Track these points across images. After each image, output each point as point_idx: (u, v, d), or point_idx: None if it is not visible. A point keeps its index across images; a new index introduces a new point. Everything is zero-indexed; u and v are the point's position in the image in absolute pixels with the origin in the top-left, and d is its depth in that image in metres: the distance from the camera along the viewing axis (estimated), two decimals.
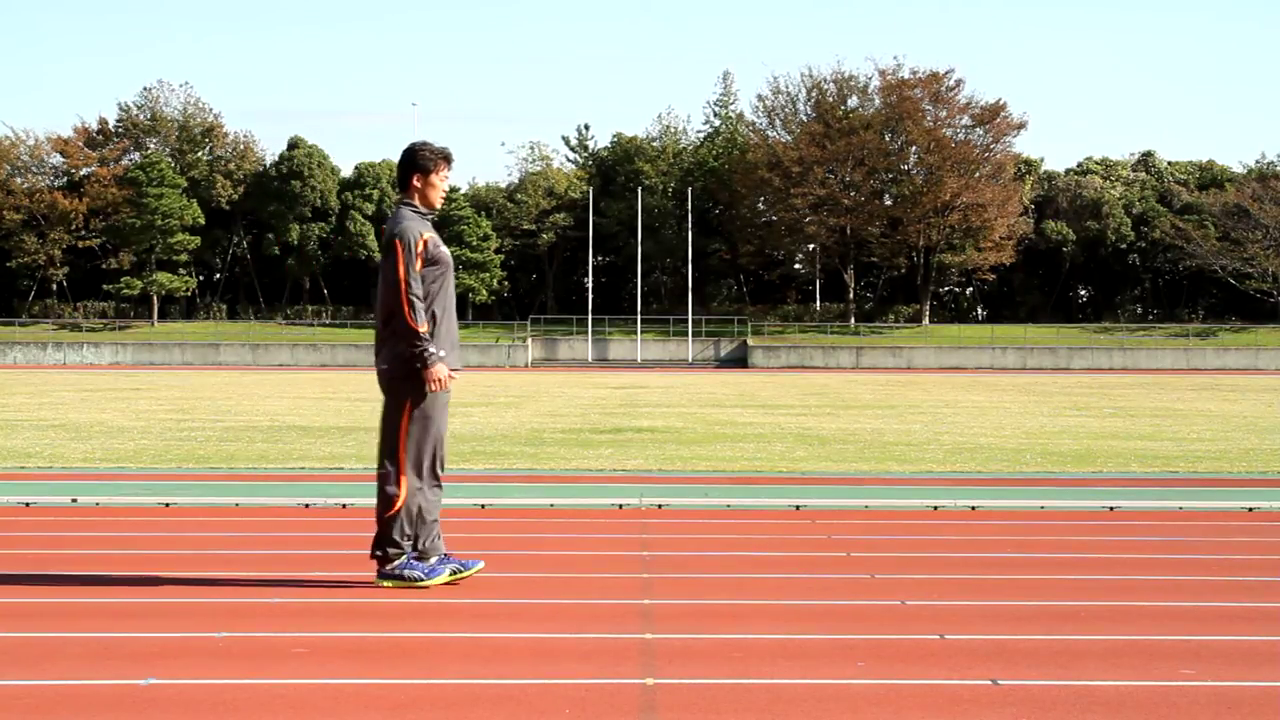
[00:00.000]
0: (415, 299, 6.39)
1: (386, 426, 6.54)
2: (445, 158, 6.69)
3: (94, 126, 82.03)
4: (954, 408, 24.06)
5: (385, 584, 6.51)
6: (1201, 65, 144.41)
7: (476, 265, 78.71)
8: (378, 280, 6.60)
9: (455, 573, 6.59)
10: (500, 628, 5.67)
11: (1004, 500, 10.01)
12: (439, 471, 6.62)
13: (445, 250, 6.61)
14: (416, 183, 6.62)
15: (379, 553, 6.53)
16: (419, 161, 6.61)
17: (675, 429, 17.71)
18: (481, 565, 6.72)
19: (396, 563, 6.50)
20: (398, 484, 6.48)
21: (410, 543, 6.52)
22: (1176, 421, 20.02)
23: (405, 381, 6.47)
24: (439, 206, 6.71)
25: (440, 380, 6.44)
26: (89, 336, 72.05)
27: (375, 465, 6.97)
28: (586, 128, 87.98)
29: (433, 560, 6.56)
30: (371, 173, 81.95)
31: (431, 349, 6.41)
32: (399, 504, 6.47)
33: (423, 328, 6.39)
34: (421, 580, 6.49)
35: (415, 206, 6.61)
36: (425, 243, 6.47)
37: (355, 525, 8.63)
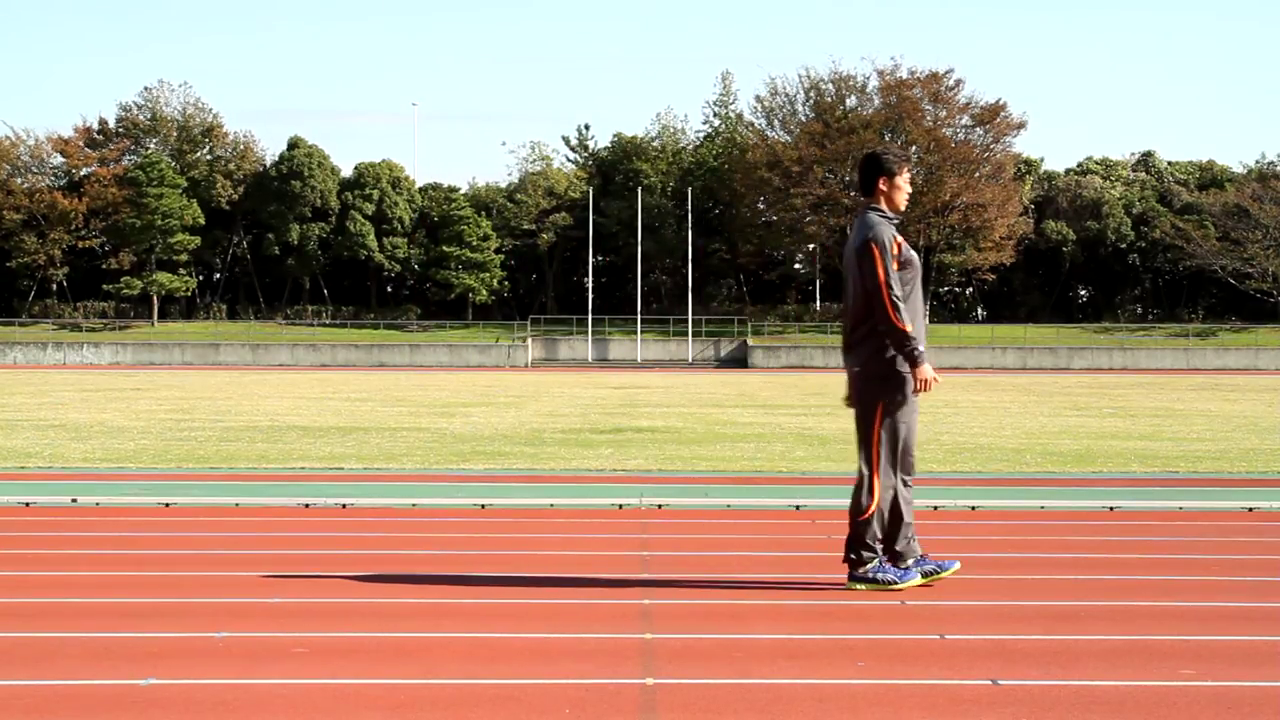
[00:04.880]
0: (898, 300, 6.39)
1: (861, 429, 6.53)
2: (907, 159, 6.75)
3: (94, 126, 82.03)
4: (954, 408, 24.05)
5: (859, 587, 6.46)
6: (1201, 65, 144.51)
7: (476, 265, 78.70)
8: (846, 285, 6.59)
9: (930, 574, 6.56)
10: (500, 628, 5.67)
11: (1004, 500, 10.01)
12: (910, 473, 6.60)
13: (913, 253, 6.60)
14: (883, 186, 6.61)
15: (852, 556, 6.49)
16: (885, 165, 6.62)
17: (675, 429, 17.71)
18: (958, 566, 6.66)
19: (869, 566, 6.46)
20: (872, 487, 6.46)
21: (882, 545, 6.49)
22: (1176, 421, 20.02)
23: (879, 383, 6.46)
24: (903, 208, 6.69)
25: (928, 379, 6.44)
26: (89, 336, 72.05)
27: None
28: (586, 128, 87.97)
29: (909, 562, 6.53)
30: (371, 173, 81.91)
31: (920, 348, 6.43)
32: (872, 508, 6.45)
33: (909, 327, 6.40)
34: (895, 583, 6.46)
35: (882, 210, 6.59)
36: (899, 245, 6.49)
37: (355, 525, 8.63)
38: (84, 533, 8.34)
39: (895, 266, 6.44)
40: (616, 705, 4.54)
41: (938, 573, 6.57)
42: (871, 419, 6.50)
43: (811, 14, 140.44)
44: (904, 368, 6.47)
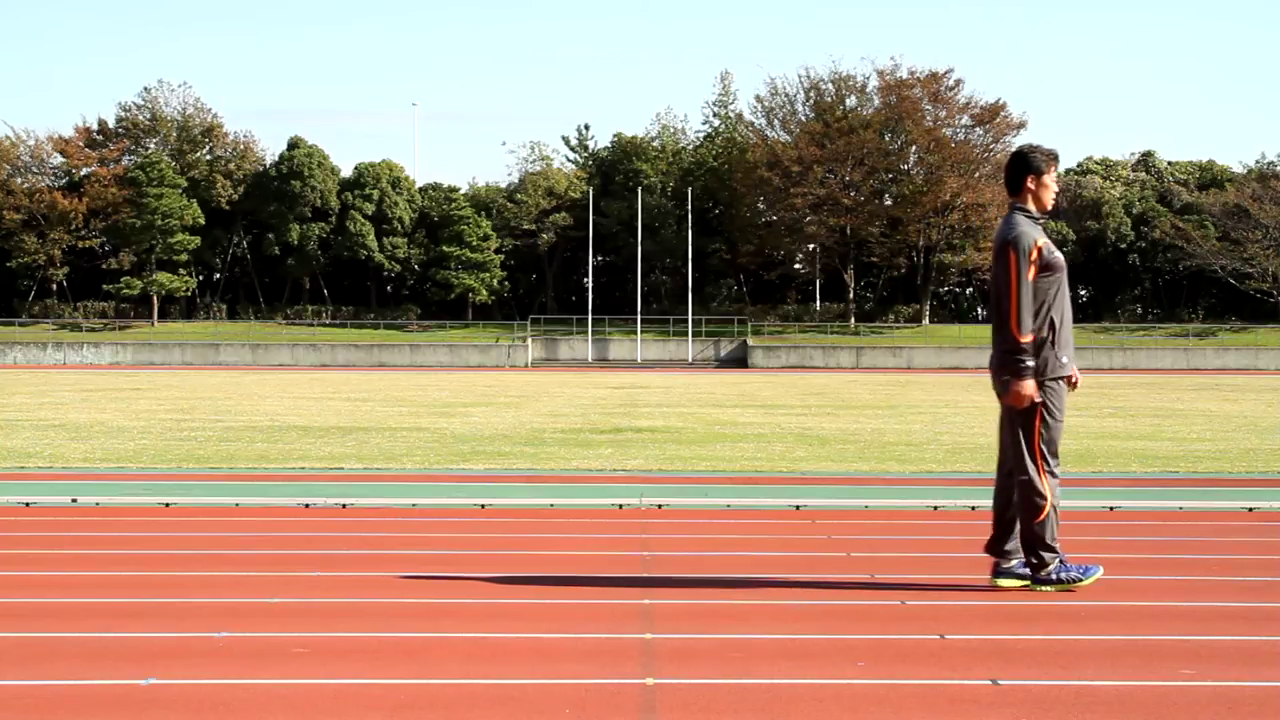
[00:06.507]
0: (1024, 309, 6.34)
1: (1018, 431, 6.49)
2: (1055, 158, 6.65)
3: (94, 126, 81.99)
4: (954, 408, 24.05)
5: (1043, 589, 6.45)
6: (1201, 65, 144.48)
7: (476, 265, 78.69)
8: (991, 286, 6.54)
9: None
10: (500, 628, 5.67)
11: None
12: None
13: (1059, 255, 6.52)
14: (1030, 184, 6.54)
15: (1033, 560, 6.47)
16: (1033, 163, 6.55)
17: (675, 429, 17.71)
18: (1100, 571, 6.61)
19: (1051, 567, 6.45)
20: (1042, 488, 6.44)
21: (1058, 544, 6.46)
22: (1176, 421, 20.02)
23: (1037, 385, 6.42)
24: (1050, 207, 6.63)
25: (1026, 398, 6.38)
26: (89, 336, 72.04)
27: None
28: (586, 128, 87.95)
29: (1015, 561, 6.52)
30: (371, 173, 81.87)
31: (1029, 362, 6.36)
32: (1047, 507, 6.43)
33: (1025, 338, 6.36)
34: (1080, 580, 6.45)
35: (1028, 210, 6.53)
36: (1039, 249, 6.40)
37: (355, 525, 8.63)
38: (84, 533, 8.33)
39: (1032, 272, 6.37)
40: (616, 705, 4.54)
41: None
42: (1032, 420, 6.46)
43: (811, 14, 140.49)
44: (1055, 370, 6.43)
